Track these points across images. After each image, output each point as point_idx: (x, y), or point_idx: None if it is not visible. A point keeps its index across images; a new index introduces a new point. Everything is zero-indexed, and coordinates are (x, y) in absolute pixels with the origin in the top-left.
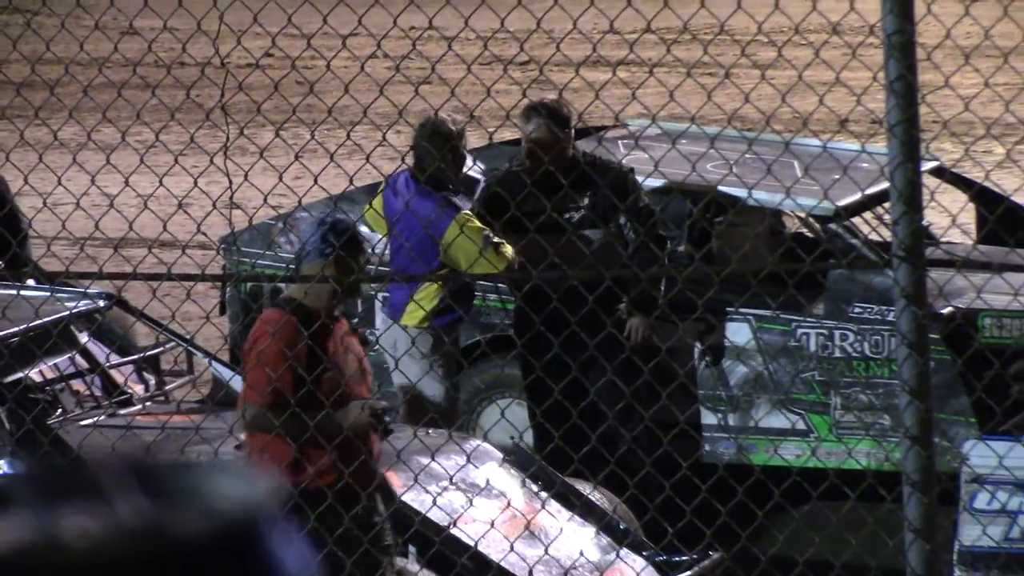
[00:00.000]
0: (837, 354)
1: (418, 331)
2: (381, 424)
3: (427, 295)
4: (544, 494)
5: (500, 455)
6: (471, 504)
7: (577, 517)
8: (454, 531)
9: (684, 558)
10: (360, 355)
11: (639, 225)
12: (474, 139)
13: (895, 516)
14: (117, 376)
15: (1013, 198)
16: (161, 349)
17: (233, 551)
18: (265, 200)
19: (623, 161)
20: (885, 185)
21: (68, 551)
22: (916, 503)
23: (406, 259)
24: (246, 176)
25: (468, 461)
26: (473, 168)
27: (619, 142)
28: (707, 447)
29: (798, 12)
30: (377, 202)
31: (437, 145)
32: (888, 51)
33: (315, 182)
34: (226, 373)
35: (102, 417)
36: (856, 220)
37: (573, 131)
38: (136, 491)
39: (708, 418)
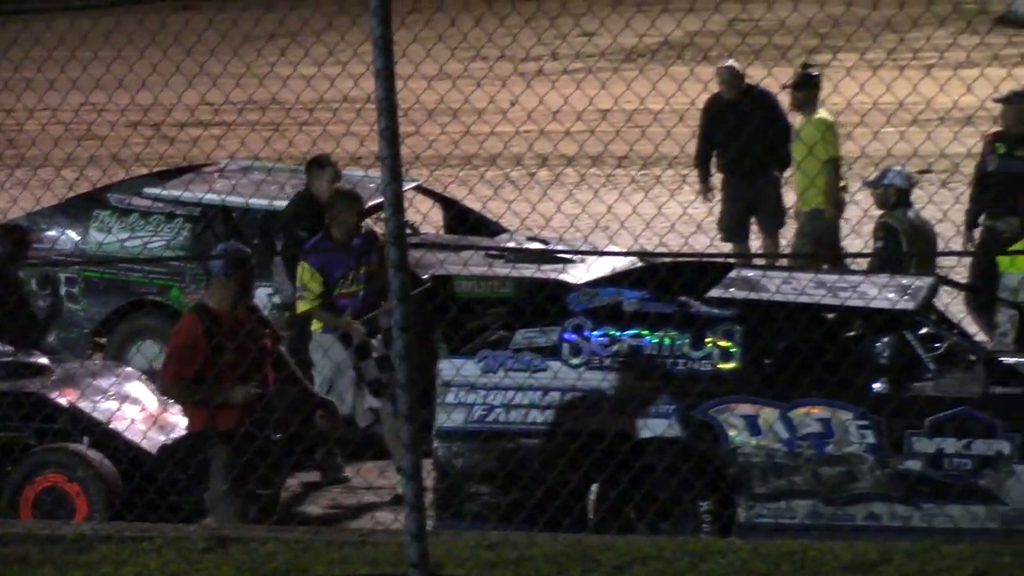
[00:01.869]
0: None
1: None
2: (255, 400)
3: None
4: (170, 401)
5: (139, 374)
6: (120, 408)
7: None
8: (111, 426)
9: None
10: (261, 341)
11: None
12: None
13: None
14: None
15: (463, 203)
16: None
17: None
18: None
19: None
20: (381, 198)
21: None
22: (407, 401)
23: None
24: None
25: (118, 379)
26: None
27: (214, 175)
28: None
29: (322, 87)
30: None
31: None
32: (379, 112)
33: (14, 204)
34: None
35: None
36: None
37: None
38: None
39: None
